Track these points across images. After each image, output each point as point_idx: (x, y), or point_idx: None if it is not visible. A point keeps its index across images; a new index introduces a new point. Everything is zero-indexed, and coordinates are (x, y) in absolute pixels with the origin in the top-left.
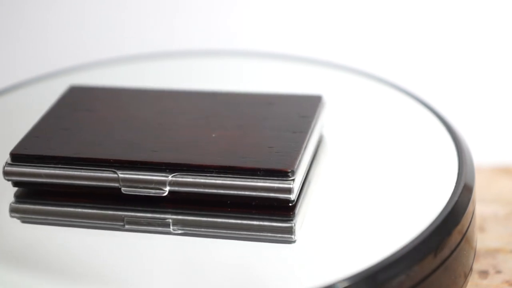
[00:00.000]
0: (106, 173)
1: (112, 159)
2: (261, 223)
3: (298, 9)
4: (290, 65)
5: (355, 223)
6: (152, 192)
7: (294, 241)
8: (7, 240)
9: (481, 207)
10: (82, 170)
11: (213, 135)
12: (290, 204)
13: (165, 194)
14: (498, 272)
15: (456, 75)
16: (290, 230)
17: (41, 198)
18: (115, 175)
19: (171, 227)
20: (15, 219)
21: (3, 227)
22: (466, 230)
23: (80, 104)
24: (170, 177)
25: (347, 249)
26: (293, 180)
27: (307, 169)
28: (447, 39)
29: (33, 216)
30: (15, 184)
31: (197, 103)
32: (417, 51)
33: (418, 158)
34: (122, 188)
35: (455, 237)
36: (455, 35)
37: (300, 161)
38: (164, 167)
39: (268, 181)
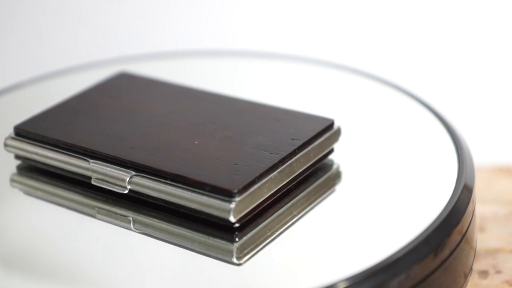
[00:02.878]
0: (80, 161)
1: (89, 148)
2: (206, 239)
3: (299, 9)
4: (290, 65)
5: (355, 223)
6: (116, 188)
7: (239, 264)
8: None
9: (481, 207)
10: (62, 154)
11: (196, 142)
12: (237, 225)
13: (126, 192)
14: (498, 272)
15: (456, 75)
16: (230, 251)
17: (36, 173)
18: (88, 164)
19: (131, 224)
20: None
21: None
22: (466, 230)
23: (110, 91)
24: (130, 176)
25: (348, 249)
26: (236, 201)
27: (275, 190)
28: (447, 39)
29: (25, 188)
30: (16, 156)
31: (209, 107)
32: (417, 51)
33: (418, 158)
34: (93, 179)
35: (455, 237)
36: (455, 35)
37: (254, 182)
38: (129, 165)
39: (211, 198)
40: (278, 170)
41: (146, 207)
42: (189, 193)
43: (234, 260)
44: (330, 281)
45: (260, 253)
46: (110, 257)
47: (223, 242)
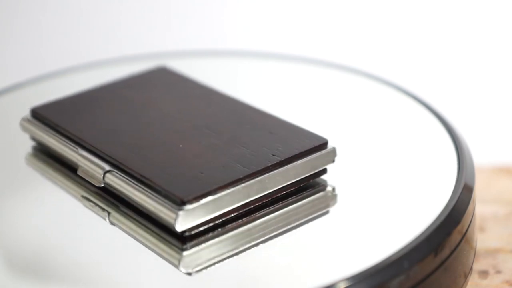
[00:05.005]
0: (71, 150)
1: (81, 139)
2: (162, 244)
3: (299, 9)
4: (290, 65)
5: (355, 223)
6: (93, 181)
7: (189, 273)
8: None
9: (481, 207)
10: (60, 141)
11: (180, 146)
12: (188, 234)
13: (102, 185)
14: (498, 272)
15: (456, 75)
16: (178, 259)
17: (46, 156)
18: (76, 155)
19: (107, 218)
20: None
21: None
22: (466, 230)
23: (136, 85)
24: (104, 171)
25: (348, 249)
26: (184, 210)
27: (242, 204)
28: (447, 39)
29: (36, 168)
30: (31, 137)
31: (215, 111)
32: (417, 51)
33: (418, 158)
34: (78, 169)
35: (455, 237)
36: (455, 35)
37: (210, 194)
38: (108, 161)
39: (163, 203)
40: (244, 185)
41: (125, 202)
42: (148, 195)
43: (182, 268)
44: (330, 281)
45: (219, 264)
46: (71, 245)
47: (174, 249)
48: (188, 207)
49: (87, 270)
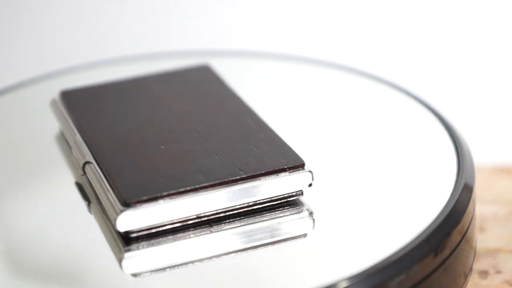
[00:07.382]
0: (71, 135)
1: (80, 126)
2: (111, 241)
3: (299, 9)
4: (290, 65)
5: (355, 223)
6: (76, 169)
7: (134, 275)
8: None
9: (481, 207)
10: (66, 125)
11: (162, 147)
12: (135, 235)
13: (82, 175)
14: (498, 272)
15: (456, 75)
16: (119, 259)
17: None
18: (73, 143)
19: (86, 207)
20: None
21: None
22: (466, 230)
23: (169, 80)
24: (83, 162)
25: (348, 249)
26: (125, 211)
27: (201, 215)
28: (447, 39)
29: (62, 147)
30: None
31: (218, 116)
32: (417, 51)
33: (418, 158)
34: (71, 156)
35: (455, 237)
36: (455, 35)
37: (156, 199)
38: (93, 153)
39: (112, 202)
40: (197, 195)
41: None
42: (105, 191)
43: (123, 268)
44: (330, 281)
45: (164, 269)
46: (41, 230)
47: (120, 248)
48: (132, 209)
49: (32, 254)
